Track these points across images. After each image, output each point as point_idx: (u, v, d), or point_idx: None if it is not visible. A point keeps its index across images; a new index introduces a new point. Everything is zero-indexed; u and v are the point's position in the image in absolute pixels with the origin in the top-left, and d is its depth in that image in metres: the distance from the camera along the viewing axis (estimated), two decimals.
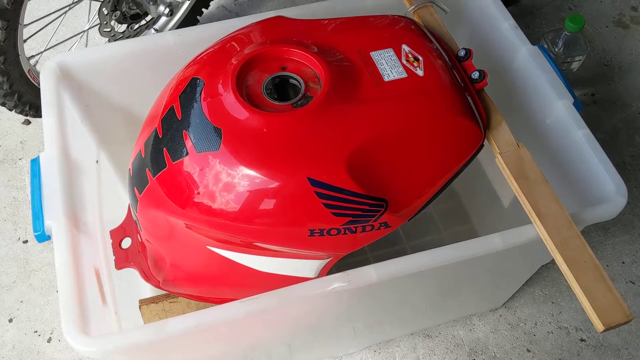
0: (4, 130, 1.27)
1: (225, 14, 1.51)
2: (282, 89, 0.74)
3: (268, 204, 0.68)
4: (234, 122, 0.68)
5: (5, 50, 0.92)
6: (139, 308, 0.86)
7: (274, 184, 0.67)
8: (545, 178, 0.73)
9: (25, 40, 1.00)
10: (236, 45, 0.77)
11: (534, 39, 0.89)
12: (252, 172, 0.67)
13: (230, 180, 0.68)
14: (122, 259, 0.86)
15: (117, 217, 0.90)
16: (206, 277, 0.80)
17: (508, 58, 0.89)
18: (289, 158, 0.67)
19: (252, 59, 0.73)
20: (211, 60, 0.76)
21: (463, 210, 1.11)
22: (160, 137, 0.73)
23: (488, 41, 0.93)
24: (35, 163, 0.77)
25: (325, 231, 0.69)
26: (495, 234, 0.72)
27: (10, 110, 1.07)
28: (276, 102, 0.70)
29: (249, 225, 0.69)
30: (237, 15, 1.50)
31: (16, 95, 1.02)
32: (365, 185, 0.68)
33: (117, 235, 0.88)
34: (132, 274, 0.87)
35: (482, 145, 0.75)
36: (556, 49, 1.23)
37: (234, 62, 0.72)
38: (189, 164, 0.70)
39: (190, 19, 1.34)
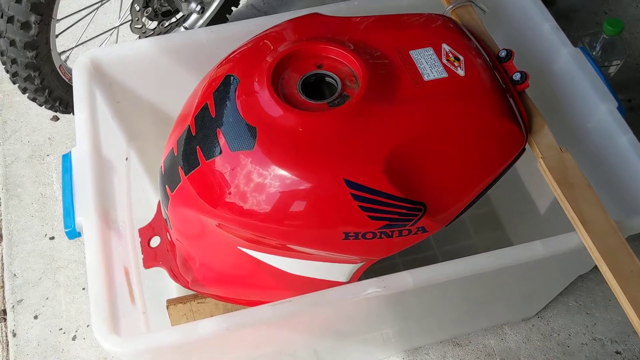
0: (32, 126, 1.27)
1: (254, 12, 1.50)
2: (318, 87, 0.72)
3: (303, 205, 0.66)
4: (269, 121, 0.67)
5: (37, 45, 0.91)
6: (167, 308, 0.84)
7: (310, 185, 0.65)
8: (590, 184, 0.70)
9: (57, 36, 1.00)
10: (270, 43, 0.76)
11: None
12: (287, 173, 0.65)
13: (264, 180, 0.66)
14: (151, 258, 0.85)
15: (146, 216, 0.89)
16: (235, 278, 0.79)
17: (548, 59, 0.86)
18: (325, 159, 0.65)
19: (288, 57, 0.71)
20: (246, 58, 0.75)
21: (495, 216, 1.08)
22: (194, 135, 0.72)
23: (527, 42, 0.90)
24: (66, 158, 0.77)
25: (360, 235, 0.67)
26: (536, 241, 0.69)
27: (40, 105, 1.07)
28: (312, 101, 0.69)
29: (282, 226, 0.68)
30: (266, 14, 1.49)
31: (47, 91, 1.01)
32: (403, 188, 0.66)
33: (146, 233, 0.87)
34: (159, 273, 0.86)
35: (523, 149, 0.73)
36: (594, 53, 1.19)
37: (269, 60, 0.71)
38: (222, 162, 0.68)
39: (219, 17, 1.33)
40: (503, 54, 0.78)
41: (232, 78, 0.72)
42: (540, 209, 0.98)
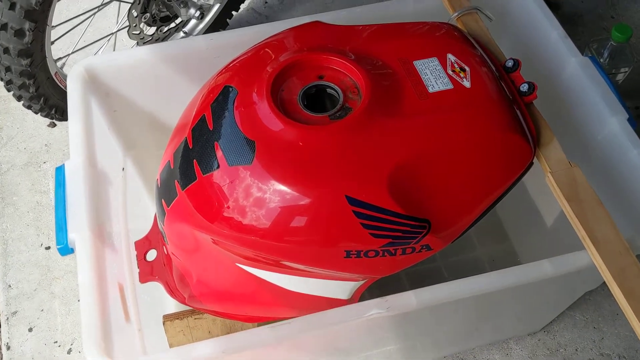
0: (29, 132, 1.25)
1: (255, 17, 1.47)
2: (319, 99, 0.70)
3: (302, 222, 0.64)
4: (268, 134, 0.65)
5: (32, 52, 0.89)
6: (163, 324, 0.82)
7: (310, 201, 0.63)
8: (600, 200, 0.68)
9: (52, 42, 0.97)
10: (271, 52, 0.74)
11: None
12: (286, 188, 0.63)
13: (263, 195, 0.64)
14: (147, 272, 0.83)
15: (143, 227, 0.87)
16: (234, 295, 0.76)
17: (557, 69, 0.84)
18: (326, 174, 0.63)
19: (288, 67, 0.69)
20: (245, 68, 0.73)
21: (501, 227, 1.06)
22: (191, 147, 0.70)
23: (535, 51, 0.88)
24: (60, 172, 0.74)
25: (362, 253, 0.65)
26: (544, 260, 0.67)
27: (36, 113, 1.04)
28: (312, 114, 0.66)
29: (281, 243, 0.65)
30: (267, 18, 1.47)
31: (42, 99, 0.99)
32: (407, 205, 0.63)
33: (142, 246, 0.85)
34: (155, 287, 0.83)
35: (531, 163, 0.71)
36: (601, 60, 1.17)
37: (269, 70, 0.69)
38: (220, 177, 0.66)
39: (219, 22, 1.30)
40: (510, 64, 0.75)
41: (230, 89, 0.70)
42: (547, 220, 0.96)
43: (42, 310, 1.04)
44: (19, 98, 0.98)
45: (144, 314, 0.81)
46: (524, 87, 0.73)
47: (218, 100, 0.70)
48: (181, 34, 1.25)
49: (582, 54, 0.83)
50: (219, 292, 0.77)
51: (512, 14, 0.91)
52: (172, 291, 0.81)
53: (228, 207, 0.66)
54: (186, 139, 0.71)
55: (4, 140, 1.24)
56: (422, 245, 0.66)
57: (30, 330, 1.02)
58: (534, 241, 0.99)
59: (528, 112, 0.73)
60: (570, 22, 1.43)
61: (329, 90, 0.69)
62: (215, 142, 0.67)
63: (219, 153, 0.66)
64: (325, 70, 0.70)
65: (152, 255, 0.84)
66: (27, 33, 0.86)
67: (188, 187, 0.69)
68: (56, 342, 1.01)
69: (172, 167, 0.72)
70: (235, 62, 0.75)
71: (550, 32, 0.85)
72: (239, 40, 0.85)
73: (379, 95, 0.66)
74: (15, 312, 1.04)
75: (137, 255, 0.84)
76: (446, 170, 0.66)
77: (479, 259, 1.03)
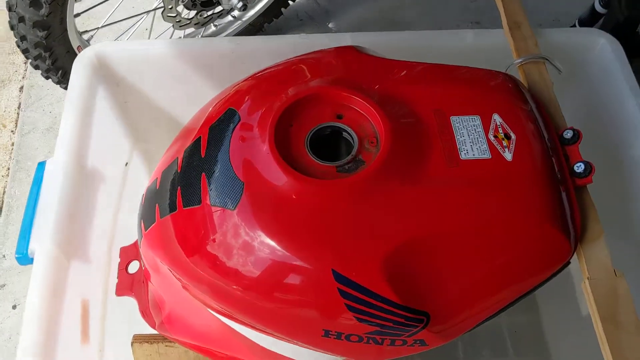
0: (58, 96, 1.20)
1: (314, 7, 1.37)
2: (333, 141, 0.60)
3: (275, 286, 0.55)
4: (260, 180, 0.55)
5: (49, 25, 0.82)
6: (131, 344, 0.75)
7: (289, 265, 0.54)
8: None
9: (78, 14, 0.90)
10: (290, 77, 0.64)
11: None
12: (268, 242, 0.54)
13: (236, 245, 0.55)
14: (125, 286, 0.76)
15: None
16: (206, 336, 0.69)
17: (624, 147, 0.71)
18: (314, 240, 0.53)
19: (304, 100, 0.59)
20: (256, 91, 0.63)
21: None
22: (179, 171, 0.61)
23: (602, 118, 0.75)
24: (40, 168, 0.68)
25: (343, 335, 0.56)
26: None
27: (56, 84, 0.99)
28: (319, 161, 0.57)
29: (251, 301, 0.57)
30: (327, 12, 1.37)
31: (60, 72, 0.93)
32: (405, 293, 0.53)
33: (127, 255, 0.78)
34: (133, 302, 0.77)
35: (568, 262, 0.59)
36: None
37: (281, 100, 0.59)
38: (199, 214, 0.58)
39: (273, 11, 1.21)
40: (569, 135, 0.63)
41: (234, 114, 0.61)
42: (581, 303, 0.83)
43: None
44: (36, 67, 0.92)
45: (113, 330, 0.74)
46: (579, 167, 0.61)
47: (218, 124, 0.61)
48: (229, 18, 1.17)
49: None
50: (191, 329, 0.69)
51: (586, 67, 0.78)
52: (144, 312, 0.74)
53: (202, 248, 0.58)
54: (177, 161, 0.63)
55: (31, 99, 1.20)
56: (415, 339, 0.56)
57: (14, 307, 0.98)
58: (564, 318, 0.87)
59: (576, 197, 0.61)
60: None
61: (344, 133, 0.59)
62: (203, 174, 0.59)
63: (204, 187, 0.58)
64: (346, 110, 0.60)
65: (134, 267, 0.77)
66: (44, 5, 0.79)
67: (166, 216, 0.61)
68: None
69: (157, 188, 0.64)
70: (248, 81, 0.66)
71: (627, 99, 0.72)
72: (267, 49, 0.77)
73: (400, 152, 0.56)
74: (3, 285, 1.00)
75: (119, 264, 0.77)
76: (461, 259, 0.55)
77: (498, 327, 0.92)
